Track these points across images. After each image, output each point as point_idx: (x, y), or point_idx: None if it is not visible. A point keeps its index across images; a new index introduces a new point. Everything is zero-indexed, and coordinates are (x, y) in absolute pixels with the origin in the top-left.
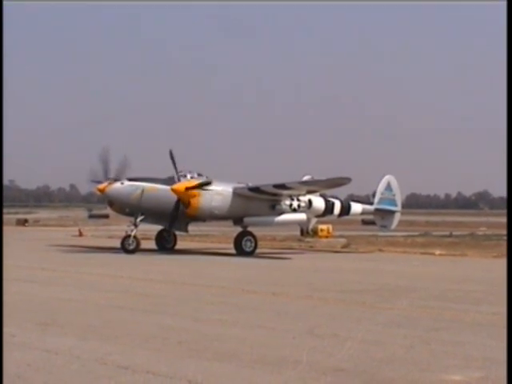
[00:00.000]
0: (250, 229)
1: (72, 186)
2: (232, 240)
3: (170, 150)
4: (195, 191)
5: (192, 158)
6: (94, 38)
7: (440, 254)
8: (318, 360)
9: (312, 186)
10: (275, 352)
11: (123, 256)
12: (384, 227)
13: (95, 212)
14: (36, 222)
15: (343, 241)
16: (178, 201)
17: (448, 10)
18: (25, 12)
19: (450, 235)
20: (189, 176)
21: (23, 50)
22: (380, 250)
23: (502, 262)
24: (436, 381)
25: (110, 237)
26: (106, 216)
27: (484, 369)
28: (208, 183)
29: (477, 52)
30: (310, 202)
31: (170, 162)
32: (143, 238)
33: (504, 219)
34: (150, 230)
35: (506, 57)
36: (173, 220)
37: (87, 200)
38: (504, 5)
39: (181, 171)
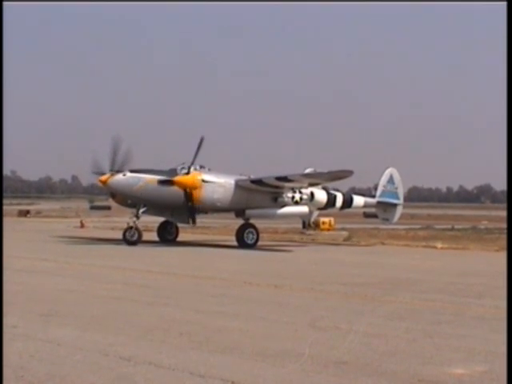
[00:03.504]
0: (251, 221)
1: (74, 178)
2: (234, 232)
3: (202, 136)
4: (197, 183)
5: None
6: (96, 33)
7: (442, 248)
8: (321, 353)
9: (314, 179)
10: (277, 344)
11: (125, 247)
12: (386, 220)
13: (97, 203)
14: (38, 214)
15: (345, 234)
16: (186, 193)
17: (448, 10)
18: (25, 10)
19: (452, 229)
20: (192, 168)
21: (24, 45)
22: (382, 243)
23: (504, 256)
24: (439, 374)
25: (112, 228)
26: (108, 207)
27: (487, 362)
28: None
29: (479, 46)
30: (312, 194)
31: (196, 147)
32: (145, 230)
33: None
34: (151, 221)
35: (506, 54)
36: (191, 211)
37: (89, 191)
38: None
39: (183, 163)
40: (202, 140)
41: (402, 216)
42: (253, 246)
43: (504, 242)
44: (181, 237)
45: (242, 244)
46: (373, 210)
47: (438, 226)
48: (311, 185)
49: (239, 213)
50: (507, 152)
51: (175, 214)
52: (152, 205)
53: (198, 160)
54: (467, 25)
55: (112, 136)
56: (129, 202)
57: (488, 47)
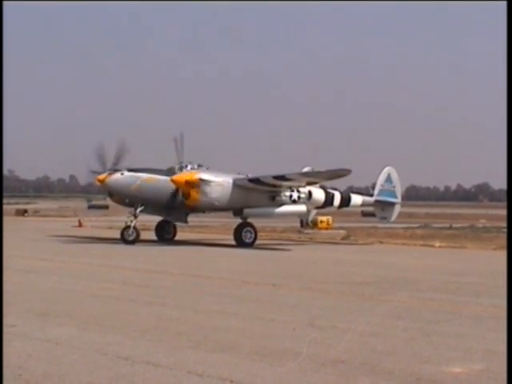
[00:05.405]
0: (249, 220)
1: (72, 177)
2: (232, 231)
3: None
4: (195, 182)
5: (192, 149)
6: (94, 33)
7: (440, 246)
8: (318, 352)
9: (312, 178)
10: (275, 343)
11: (123, 247)
12: (384, 219)
13: (95, 203)
14: (36, 213)
15: (343, 232)
16: (176, 191)
17: (448, 9)
18: (25, 10)
19: (450, 227)
20: (189, 167)
21: (24, 46)
22: (380, 242)
23: (502, 254)
24: (436, 373)
25: (110, 227)
26: (106, 207)
27: (484, 361)
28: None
29: (479, 46)
30: (309, 193)
31: (175, 147)
32: (143, 229)
33: (504, 211)
34: (149, 220)
35: (505, 53)
36: (169, 209)
37: (87, 191)
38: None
39: (181, 162)
40: (177, 139)
41: (400, 215)
42: (251, 245)
43: (502, 241)
44: (179, 236)
45: (240, 243)
46: (371, 208)
47: (435, 225)
48: (309, 184)
49: (237, 212)
50: (507, 151)
51: (173, 212)
52: (150, 204)
53: (196, 159)
54: (467, 24)
55: (118, 137)
56: (126, 201)
57: (488, 46)
